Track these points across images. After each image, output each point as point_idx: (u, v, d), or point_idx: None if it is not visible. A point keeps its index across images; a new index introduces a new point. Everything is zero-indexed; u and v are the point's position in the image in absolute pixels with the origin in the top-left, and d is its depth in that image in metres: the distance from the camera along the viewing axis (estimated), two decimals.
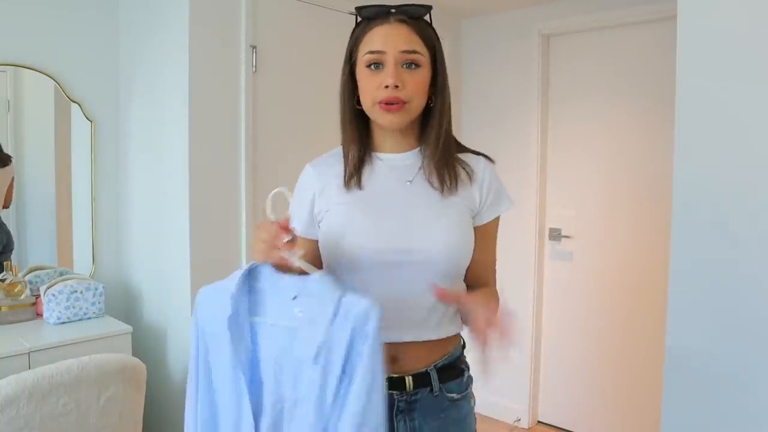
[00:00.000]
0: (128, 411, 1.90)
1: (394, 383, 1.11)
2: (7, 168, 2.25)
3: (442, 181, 1.14)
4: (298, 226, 1.14)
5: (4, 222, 2.26)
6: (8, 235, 2.27)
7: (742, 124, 1.51)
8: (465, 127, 3.25)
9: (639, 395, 2.80)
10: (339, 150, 1.22)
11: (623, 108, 2.83)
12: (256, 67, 2.29)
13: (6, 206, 2.26)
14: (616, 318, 2.89)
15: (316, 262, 1.16)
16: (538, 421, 3.20)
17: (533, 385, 3.15)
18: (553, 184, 3.10)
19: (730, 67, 1.53)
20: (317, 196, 1.19)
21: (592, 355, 2.98)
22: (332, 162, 1.21)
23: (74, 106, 2.35)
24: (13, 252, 2.27)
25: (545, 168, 3.11)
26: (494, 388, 3.16)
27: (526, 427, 3.14)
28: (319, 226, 1.19)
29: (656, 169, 2.71)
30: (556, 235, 3.08)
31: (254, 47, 2.28)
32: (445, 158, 1.15)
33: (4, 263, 2.20)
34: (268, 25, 2.33)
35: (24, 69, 2.21)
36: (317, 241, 1.19)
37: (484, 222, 1.18)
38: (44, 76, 2.26)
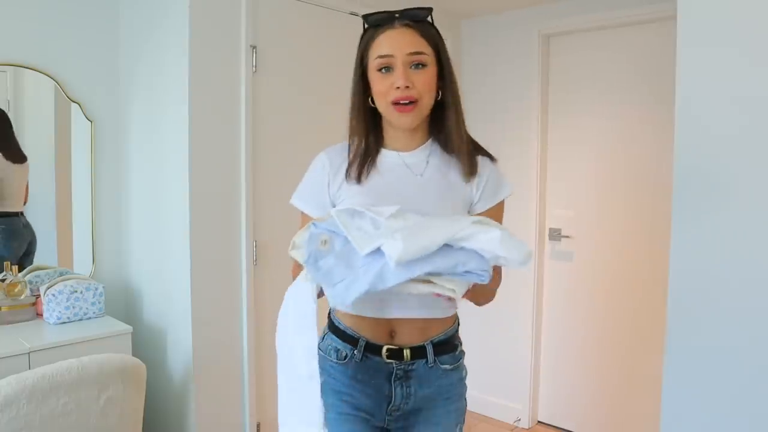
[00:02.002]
0: (128, 411, 1.90)
1: (394, 354, 1.23)
2: (24, 165, 2.26)
3: (450, 170, 1.24)
4: (314, 209, 1.24)
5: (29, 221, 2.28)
6: (33, 236, 2.28)
7: (741, 124, 1.52)
8: None
9: (639, 395, 2.80)
10: None
11: (623, 108, 2.83)
12: (256, 67, 2.29)
13: (24, 202, 2.28)
14: (616, 318, 2.89)
15: None
16: (538, 421, 3.20)
17: (533, 385, 3.15)
18: (553, 184, 3.10)
19: (730, 66, 1.53)
20: (330, 183, 1.27)
21: (592, 355, 2.98)
22: (347, 154, 1.27)
23: (74, 106, 2.35)
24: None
25: (545, 168, 3.11)
26: (494, 388, 3.17)
27: (526, 427, 3.14)
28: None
29: (656, 169, 2.71)
30: (556, 235, 3.07)
31: (254, 47, 2.28)
32: (461, 146, 1.24)
33: (5, 263, 2.20)
34: (268, 25, 2.33)
35: (24, 69, 2.21)
36: None
37: (480, 211, 1.26)
38: (44, 76, 2.26)
